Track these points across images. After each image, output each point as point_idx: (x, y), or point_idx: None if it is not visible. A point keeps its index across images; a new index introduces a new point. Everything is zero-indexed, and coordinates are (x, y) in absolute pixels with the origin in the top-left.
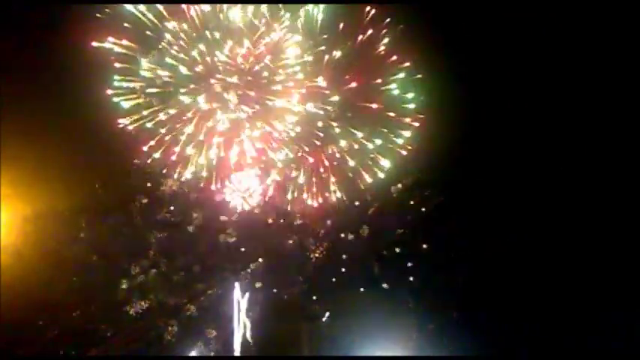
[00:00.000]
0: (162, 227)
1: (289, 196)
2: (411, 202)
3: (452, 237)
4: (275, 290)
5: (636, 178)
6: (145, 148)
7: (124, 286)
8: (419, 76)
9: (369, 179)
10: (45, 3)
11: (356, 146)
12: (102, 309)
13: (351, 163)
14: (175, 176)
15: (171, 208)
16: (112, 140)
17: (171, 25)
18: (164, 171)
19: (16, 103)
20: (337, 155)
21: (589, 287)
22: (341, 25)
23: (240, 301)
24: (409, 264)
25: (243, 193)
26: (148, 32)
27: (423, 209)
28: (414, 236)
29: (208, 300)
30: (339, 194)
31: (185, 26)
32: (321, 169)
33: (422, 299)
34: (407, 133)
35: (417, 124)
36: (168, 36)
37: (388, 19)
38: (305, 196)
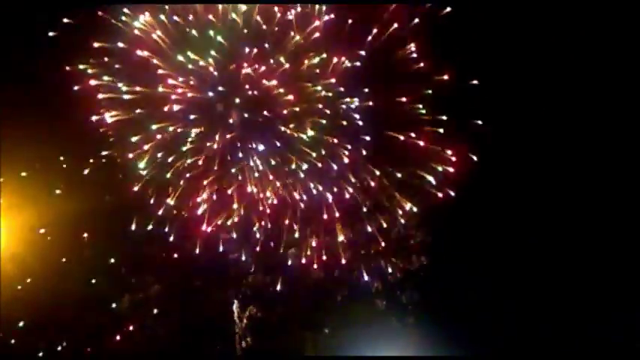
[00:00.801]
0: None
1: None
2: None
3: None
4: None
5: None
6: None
7: (126, 298)
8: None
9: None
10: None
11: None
12: (104, 319)
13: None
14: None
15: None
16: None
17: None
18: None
19: (17, 113)
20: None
21: (587, 288)
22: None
23: (240, 313)
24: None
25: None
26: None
27: None
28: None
29: (209, 313)
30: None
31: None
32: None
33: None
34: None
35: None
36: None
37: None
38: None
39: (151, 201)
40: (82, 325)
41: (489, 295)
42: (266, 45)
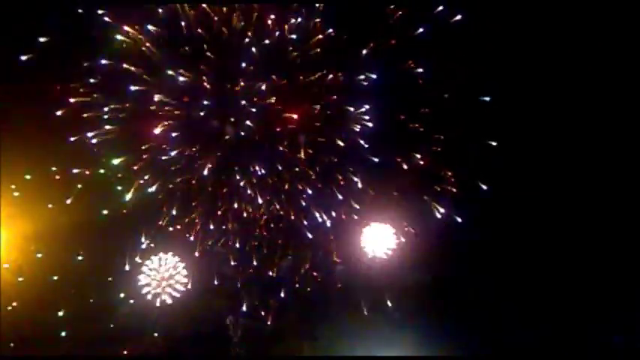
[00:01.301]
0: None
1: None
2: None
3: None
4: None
5: None
6: None
7: (122, 310)
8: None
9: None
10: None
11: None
12: (101, 330)
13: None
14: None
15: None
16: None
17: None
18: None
19: (18, 125)
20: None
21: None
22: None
23: (235, 326)
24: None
25: None
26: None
27: None
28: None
29: (203, 328)
30: None
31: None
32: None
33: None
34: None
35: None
36: None
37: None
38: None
39: (145, 219)
40: (78, 332)
41: (489, 297)
42: (263, 61)
